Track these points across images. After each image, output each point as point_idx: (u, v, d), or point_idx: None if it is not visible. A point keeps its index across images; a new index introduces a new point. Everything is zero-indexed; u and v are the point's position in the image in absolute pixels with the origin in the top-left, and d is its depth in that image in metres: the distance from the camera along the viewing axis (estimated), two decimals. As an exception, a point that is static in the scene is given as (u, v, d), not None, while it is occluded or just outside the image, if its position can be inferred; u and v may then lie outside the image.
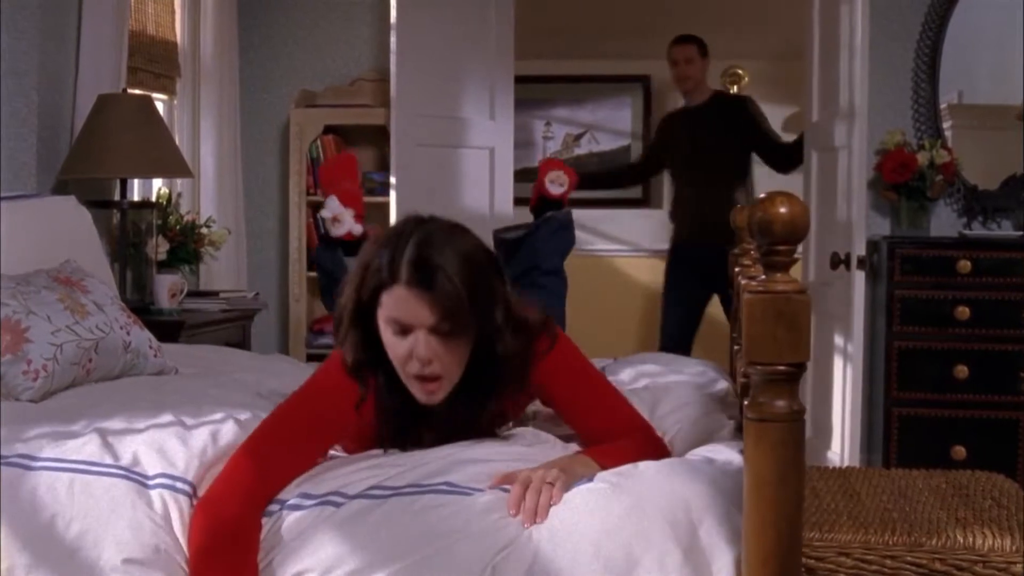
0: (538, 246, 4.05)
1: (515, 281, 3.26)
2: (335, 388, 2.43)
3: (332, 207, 3.57)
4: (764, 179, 6.24)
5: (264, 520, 2.28)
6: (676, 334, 6.14)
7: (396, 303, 2.29)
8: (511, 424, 2.67)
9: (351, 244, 3.67)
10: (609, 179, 7.11)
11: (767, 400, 1.90)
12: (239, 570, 2.22)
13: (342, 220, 3.55)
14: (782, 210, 1.85)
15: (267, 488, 2.30)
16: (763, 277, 1.89)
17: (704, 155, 6.21)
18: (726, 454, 2.42)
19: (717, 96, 6.46)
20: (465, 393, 2.44)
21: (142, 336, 3.34)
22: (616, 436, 2.48)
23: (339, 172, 3.71)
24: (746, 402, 1.95)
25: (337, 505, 2.25)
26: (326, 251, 3.83)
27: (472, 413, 2.48)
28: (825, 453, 5.04)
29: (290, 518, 2.26)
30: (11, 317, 3.03)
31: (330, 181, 3.75)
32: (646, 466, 2.28)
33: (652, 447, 2.51)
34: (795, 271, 5.35)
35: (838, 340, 4.93)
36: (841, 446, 4.83)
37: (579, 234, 7.55)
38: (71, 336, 3.08)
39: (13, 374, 2.96)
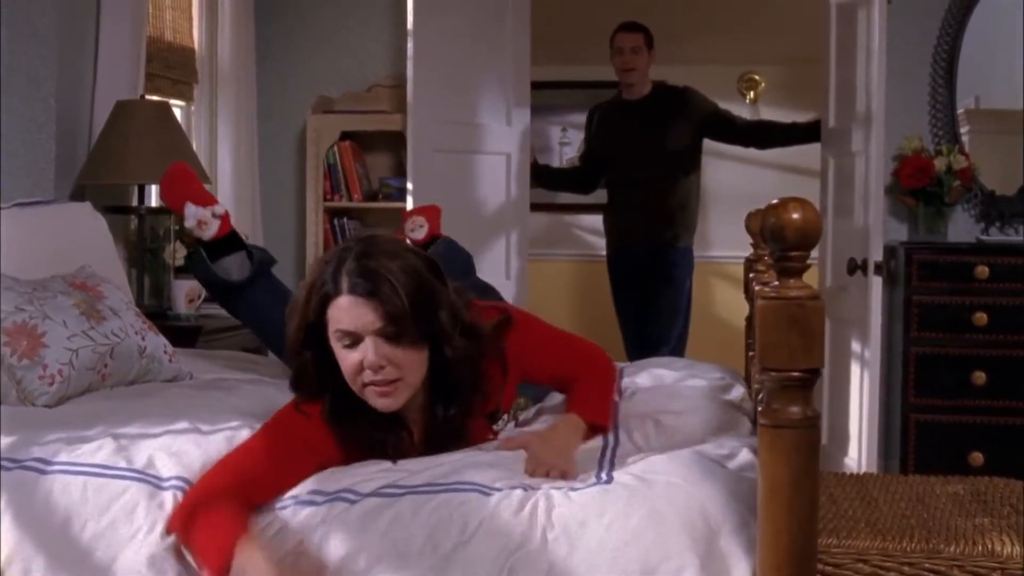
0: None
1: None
2: (296, 423, 2.47)
3: (191, 214, 3.38)
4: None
5: (275, 513, 2.29)
6: (640, 349, 5.68)
7: (341, 313, 2.36)
8: (505, 415, 2.76)
9: (229, 239, 3.49)
10: (559, 180, 6.71)
11: (781, 406, 1.90)
12: (220, 526, 2.23)
13: (207, 220, 3.41)
14: (795, 216, 1.85)
15: (247, 488, 2.33)
16: (776, 283, 1.89)
17: (653, 150, 5.92)
18: (742, 456, 2.42)
19: (659, 88, 6.12)
20: (436, 399, 2.52)
21: (157, 342, 3.35)
22: (580, 375, 2.72)
23: (176, 184, 3.49)
24: (760, 408, 1.95)
25: (351, 502, 2.26)
26: (200, 264, 3.54)
27: (450, 416, 2.54)
28: (842, 459, 5.03)
29: (302, 513, 2.27)
30: (27, 322, 3.04)
31: (174, 197, 3.50)
32: (664, 468, 2.28)
33: (604, 372, 2.79)
34: (812, 276, 5.35)
35: (855, 346, 4.91)
36: (858, 452, 4.82)
37: (581, 236, 7.61)
38: (87, 341, 3.09)
39: (29, 379, 2.97)
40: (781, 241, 1.87)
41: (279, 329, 2.69)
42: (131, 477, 2.36)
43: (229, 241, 3.48)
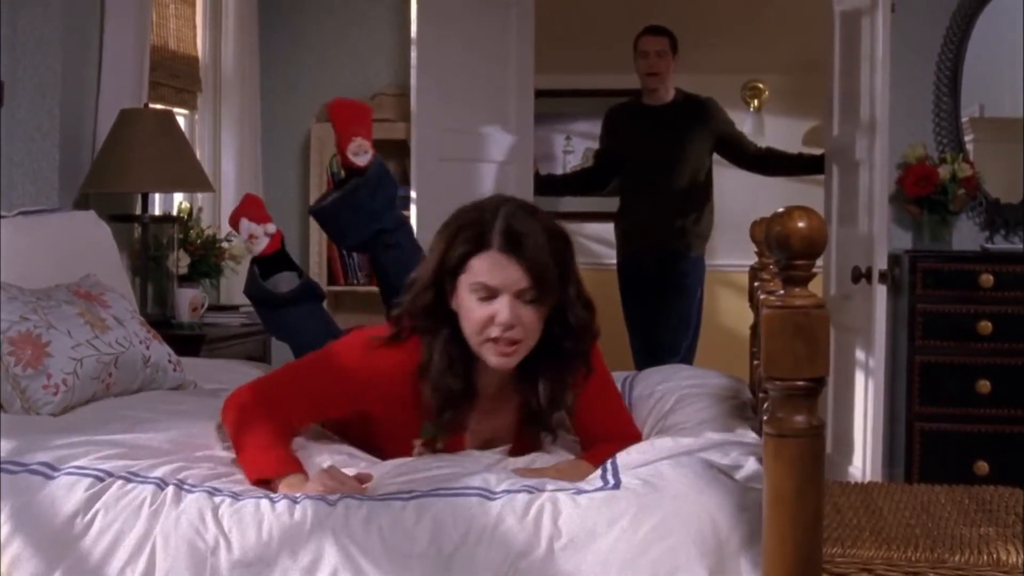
0: (375, 207, 3.74)
1: (361, 247, 3.66)
2: (355, 361, 2.55)
3: (244, 228, 3.52)
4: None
5: (279, 507, 2.28)
6: (649, 359, 5.58)
7: (487, 267, 2.42)
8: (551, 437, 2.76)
9: (280, 257, 3.61)
10: (567, 184, 6.64)
11: (786, 415, 1.89)
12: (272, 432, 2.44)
13: (258, 236, 3.51)
14: (800, 224, 1.84)
15: (285, 415, 2.52)
16: (781, 292, 1.88)
17: (671, 158, 5.89)
18: (749, 466, 2.41)
19: (683, 96, 6.04)
20: (541, 368, 2.57)
21: (162, 351, 3.35)
22: (612, 439, 2.64)
23: (242, 206, 3.63)
24: (765, 417, 1.94)
25: (356, 503, 2.26)
26: (249, 278, 3.62)
27: (555, 384, 2.59)
28: (847, 468, 5.02)
29: (308, 512, 2.26)
30: (32, 331, 3.04)
31: (236, 215, 3.63)
32: (671, 475, 2.27)
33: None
34: (816, 285, 5.34)
35: (860, 354, 4.91)
36: (863, 461, 4.81)
37: (587, 244, 7.60)
38: (91, 351, 3.10)
39: (34, 388, 2.98)
40: (786, 250, 1.86)
41: (315, 348, 2.79)
42: (137, 480, 2.35)
43: (280, 259, 3.59)
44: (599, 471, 2.39)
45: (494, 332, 2.43)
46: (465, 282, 2.46)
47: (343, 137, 3.67)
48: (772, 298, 1.89)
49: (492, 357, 2.47)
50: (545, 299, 2.45)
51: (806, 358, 1.86)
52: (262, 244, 3.52)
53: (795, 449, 1.89)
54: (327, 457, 2.57)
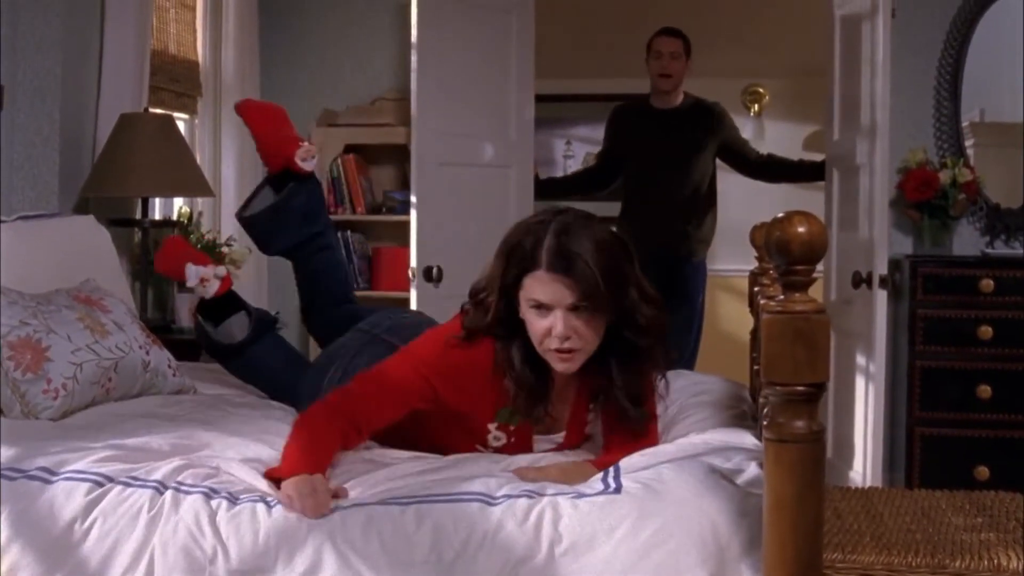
0: (311, 209, 3.74)
1: (292, 252, 3.58)
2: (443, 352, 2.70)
3: (193, 273, 3.38)
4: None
5: (276, 512, 2.27)
6: None
7: (538, 286, 2.57)
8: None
9: (229, 298, 3.51)
10: (569, 186, 6.47)
11: (786, 420, 1.89)
12: (315, 447, 2.49)
13: (209, 278, 3.39)
14: (800, 230, 1.84)
15: (356, 415, 2.61)
16: (782, 297, 1.88)
17: (677, 163, 5.86)
18: (751, 470, 2.41)
19: (692, 100, 6.01)
20: (596, 363, 2.68)
21: (161, 356, 3.35)
22: (635, 444, 2.68)
23: (174, 251, 3.50)
24: (765, 422, 1.94)
25: (361, 506, 2.27)
26: (200, 329, 3.52)
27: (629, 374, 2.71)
28: (847, 473, 5.01)
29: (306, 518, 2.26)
30: (32, 336, 3.03)
31: (171, 262, 3.48)
32: (673, 478, 2.27)
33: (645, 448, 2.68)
34: (817, 289, 5.33)
35: (860, 359, 4.89)
36: (863, 466, 4.80)
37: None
38: (91, 355, 3.09)
39: (33, 393, 2.97)
40: (786, 255, 1.86)
41: (287, 384, 3.04)
42: (136, 484, 2.35)
43: (230, 301, 3.52)
44: (600, 474, 2.39)
45: (552, 344, 2.59)
46: (523, 297, 2.61)
47: (288, 142, 3.60)
48: (772, 303, 1.89)
49: (555, 364, 2.63)
50: (597, 310, 2.57)
51: (806, 363, 1.86)
52: (214, 287, 3.43)
53: (795, 454, 1.89)
54: (347, 467, 2.58)
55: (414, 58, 5.29)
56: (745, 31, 7.39)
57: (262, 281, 5.74)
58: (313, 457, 2.47)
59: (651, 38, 5.89)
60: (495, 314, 2.67)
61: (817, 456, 1.90)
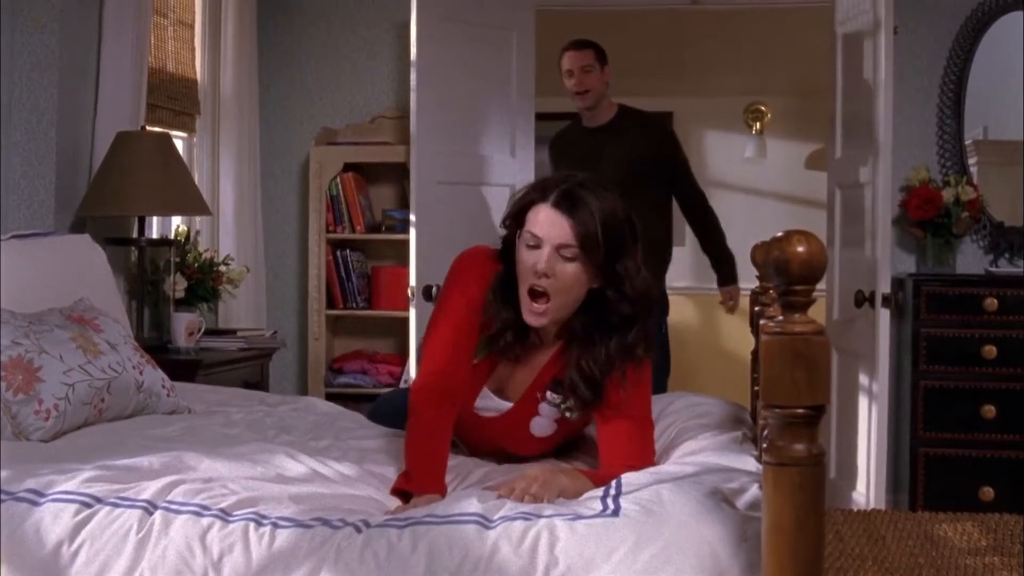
0: None
1: None
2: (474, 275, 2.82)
3: None
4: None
5: (274, 534, 2.23)
6: None
7: (539, 218, 2.66)
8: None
9: None
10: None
11: (785, 443, 1.85)
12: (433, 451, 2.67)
13: None
14: (799, 249, 1.80)
15: (447, 386, 2.74)
16: (780, 318, 1.84)
17: (616, 180, 4.97)
18: (751, 493, 2.37)
19: (624, 111, 5.44)
20: (575, 339, 2.76)
21: (155, 376, 3.31)
22: (628, 463, 2.67)
23: None
24: (764, 445, 1.90)
25: (359, 530, 2.23)
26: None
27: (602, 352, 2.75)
28: (850, 494, 4.97)
29: (299, 539, 2.22)
30: (23, 356, 3.00)
31: None
32: (672, 500, 2.23)
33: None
34: (819, 308, 5.29)
35: (863, 379, 4.86)
36: (867, 487, 4.76)
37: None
38: (83, 376, 3.06)
39: (25, 414, 2.94)
40: (786, 275, 1.82)
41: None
42: (124, 504, 2.31)
43: None
44: (599, 493, 2.35)
45: (531, 280, 2.66)
46: (524, 232, 2.69)
47: None
48: (771, 324, 1.85)
49: (527, 314, 2.70)
50: (586, 260, 2.64)
51: (806, 385, 1.82)
52: None
53: (795, 478, 1.84)
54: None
55: (413, 76, 5.27)
56: (747, 49, 7.38)
57: (260, 301, 5.71)
58: (437, 465, 2.65)
59: (560, 54, 5.38)
60: (505, 237, 2.79)
61: (817, 480, 1.85)
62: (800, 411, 1.83)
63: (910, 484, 5.11)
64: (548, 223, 2.64)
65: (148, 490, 2.34)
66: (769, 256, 1.84)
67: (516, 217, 2.73)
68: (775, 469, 1.86)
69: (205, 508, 2.28)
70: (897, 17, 4.75)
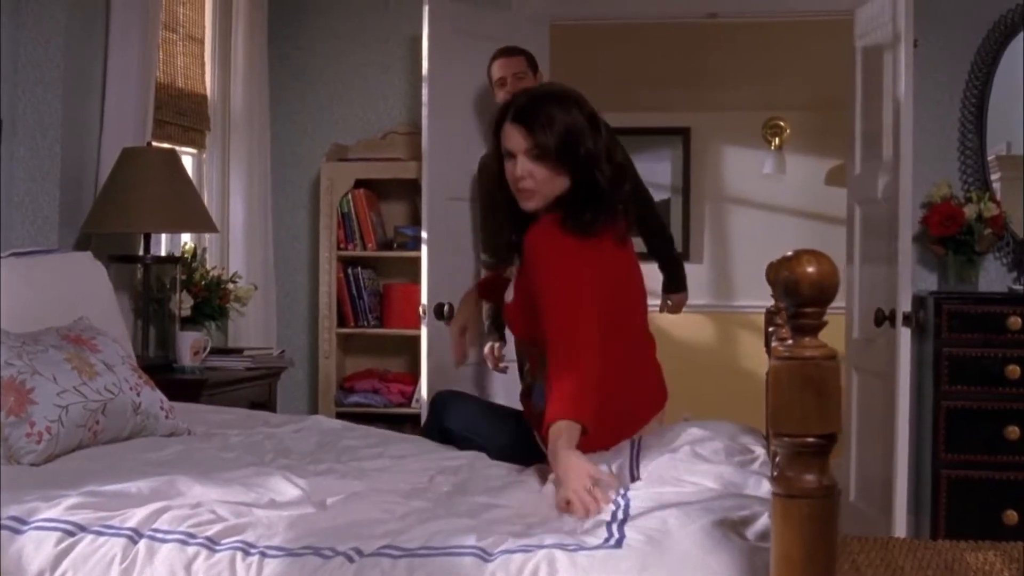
0: None
1: None
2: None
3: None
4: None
5: (255, 563, 2.16)
6: None
7: (505, 134, 3.09)
8: None
9: None
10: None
11: (795, 474, 1.76)
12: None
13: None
14: (809, 269, 1.71)
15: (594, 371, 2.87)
16: (790, 342, 1.75)
17: None
18: (762, 522, 2.28)
19: None
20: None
21: (153, 397, 3.24)
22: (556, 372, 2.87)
23: None
24: (773, 474, 1.81)
25: (351, 560, 2.15)
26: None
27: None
28: (870, 516, 4.89)
29: (288, 570, 2.14)
30: (15, 378, 2.93)
31: None
32: (678, 529, 2.16)
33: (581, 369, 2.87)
34: (839, 327, 5.21)
35: (884, 399, 4.78)
36: (887, 509, 4.68)
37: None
38: (77, 397, 2.98)
39: (16, 436, 2.87)
40: (795, 296, 1.73)
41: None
42: (108, 533, 2.24)
43: None
44: (606, 517, 2.27)
45: (515, 185, 3.09)
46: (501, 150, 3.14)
47: None
48: (781, 348, 1.76)
49: (520, 201, 3.12)
50: (548, 159, 3.03)
51: (816, 413, 1.73)
52: None
53: (804, 510, 1.75)
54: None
55: (425, 91, 5.22)
56: (765, 64, 7.30)
57: (270, 319, 5.64)
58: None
59: (489, 63, 5.07)
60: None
61: (828, 512, 1.76)
62: (810, 440, 1.74)
63: (932, 507, 5.01)
64: (511, 137, 3.06)
65: (134, 517, 2.26)
66: (778, 276, 1.75)
67: (496, 136, 3.14)
68: (784, 501, 1.77)
69: (191, 536, 2.20)
70: (917, 30, 4.67)
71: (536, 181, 3.06)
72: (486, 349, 4.91)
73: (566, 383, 2.82)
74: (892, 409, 4.65)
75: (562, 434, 2.72)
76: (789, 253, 1.77)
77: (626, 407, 3.11)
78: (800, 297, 1.73)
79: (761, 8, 5.84)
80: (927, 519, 5.05)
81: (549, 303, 2.95)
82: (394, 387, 5.71)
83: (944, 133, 5.44)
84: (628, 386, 3.11)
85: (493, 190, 5.06)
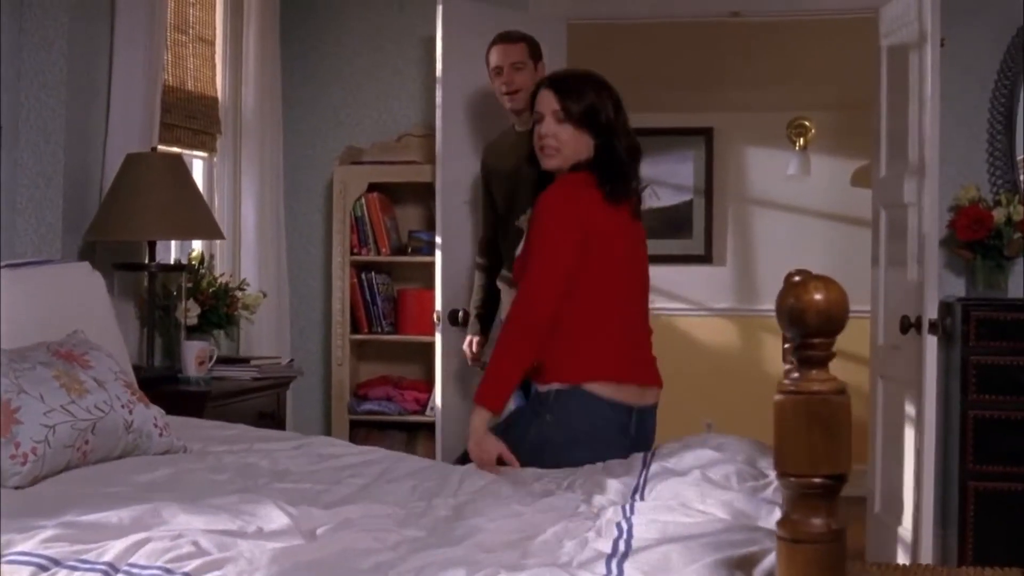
0: None
1: None
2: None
3: None
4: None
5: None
6: None
7: (538, 97, 3.53)
8: None
9: None
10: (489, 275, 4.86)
11: (801, 517, 1.64)
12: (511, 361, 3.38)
13: None
14: (816, 297, 1.59)
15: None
16: (796, 375, 1.63)
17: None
18: (770, 560, 2.15)
19: None
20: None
21: (147, 414, 3.13)
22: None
23: None
24: (779, 517, 1.69)
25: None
26: None
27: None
28: (896, 529, 4.78)
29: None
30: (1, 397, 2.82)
31: None
32: (679, 568, 2.03)
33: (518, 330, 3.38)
34: (864, 333, 5.06)
35: (909, 408, 4.68)
36: (913, 521, 4.57)
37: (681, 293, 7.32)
38: (65, 416, 2.87)
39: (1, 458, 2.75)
40: (801, 326, 1.61)
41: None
42: (83, 568, 2.12)
43: None
44: (607, 549, 2.16)
45: (538, 142, 3.50)
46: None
47: None
48: (786, 382, 1.63)
49: (542, 160, 3.52)
50: (574, 121, 3.44)
51: (824, 452, 1.60)
52: None
53: (811, 555, 1.64)
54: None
55: (439, 93, 5.13)
56: (790, 63, 7.17)
57: (283, 325, 5.53)
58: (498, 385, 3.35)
59: (487, 49, 4.74)
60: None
61: (836, 557, 1.64)
62: (817, 481, 1.62)
63: (959, 519, 4.87)
64: (542, 99, 3.50)
65: (111, 551, 2.15)
66: (783, 304, 1.63)
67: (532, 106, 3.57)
68: (789, 545, 1.65)
69: (168, 572, 2.08)
70: (944, 29, 4.54)
71: (559, 141, 3.46)
72: (465, 343, 4.82)
73: (505, 342, 3.38)
74: (918, 418, 4.53)
75: (477, 412, 3.32)
76: (795, 279, 1.65)
77: (584, 354, 3.44)
78: (806, 327, 1.61)
79: (784, 6, 5.70)
80: (954, 532, 4.91)
81: (534, 251, 3.40)
82: (408, 394, 5.60)
83: (972, 134, 5.29)
84: (584, 339, 3.43)
85: (489, 175, 5.14)
